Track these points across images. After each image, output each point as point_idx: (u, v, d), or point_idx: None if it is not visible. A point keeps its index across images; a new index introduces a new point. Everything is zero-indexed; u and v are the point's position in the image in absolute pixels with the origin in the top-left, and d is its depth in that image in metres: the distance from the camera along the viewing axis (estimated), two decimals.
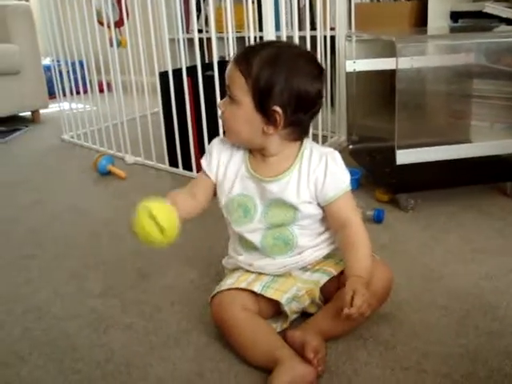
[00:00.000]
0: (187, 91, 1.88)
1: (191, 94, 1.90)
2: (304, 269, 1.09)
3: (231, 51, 1.98)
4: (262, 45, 1.02)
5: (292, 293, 1.07)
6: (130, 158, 2.19)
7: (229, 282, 1.08)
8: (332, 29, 2.05)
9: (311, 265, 1.09)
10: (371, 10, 2.15)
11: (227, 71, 1.02)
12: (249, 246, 1.09)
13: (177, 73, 1.92)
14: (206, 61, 3.04)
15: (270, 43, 1.03)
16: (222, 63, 1.89)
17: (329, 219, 1.07)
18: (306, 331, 0.97)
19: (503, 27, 1.88)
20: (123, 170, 2.07)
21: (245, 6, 2.52)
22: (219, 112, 1.06)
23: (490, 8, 1.94)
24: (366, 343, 1.01)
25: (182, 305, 1.18)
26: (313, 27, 2.09)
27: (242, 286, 1.05)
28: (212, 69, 1.89)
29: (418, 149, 1.48)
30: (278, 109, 0.96)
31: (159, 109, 2.03)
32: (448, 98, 1.83)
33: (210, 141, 1.83)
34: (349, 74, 1.83)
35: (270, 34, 1.66)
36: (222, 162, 1.09)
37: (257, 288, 1.04)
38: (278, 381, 0.87)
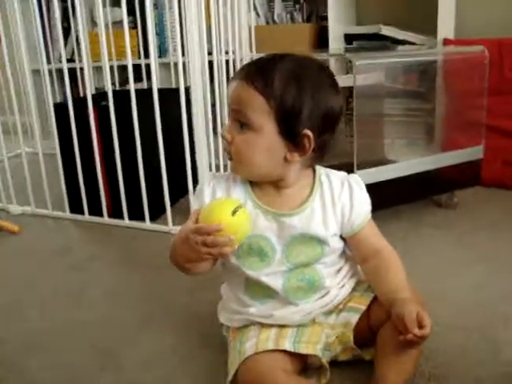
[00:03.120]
0: (93, 124, 1.62)
1: (97, 127, 1.64)
2: (327, 312, 0.95)
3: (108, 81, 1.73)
4: (273, 58, 0.85)
5: (323, 342, 0.92)
6: (15, 208, 1.82)
7: (249, 344, 0.89)
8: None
9: (335, 306, 0.96)
10: (270, 33, 2.11)
11: (233, 91, 0.84)
12: (262, 293, 0.92)
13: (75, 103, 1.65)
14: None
15: (279, 56, 0.86)
16: (119, 93, 1.68)
17: (354, 249, 0.95)
18: None
19: (403, 47, 1.96)
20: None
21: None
22: (223, 142, 0.88)
23: (387, 30, 2.02)
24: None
25: None
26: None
27: (270, 346, 0.87)
28: (104, 99, 1.67)
29: (375, 168, 1.44)
30: (308, 132, 0.82)
31: (56, 147, 1.72)
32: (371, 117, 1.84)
33: (125, 177, 1.63)
34: None
35: (196, 60, 1.51)
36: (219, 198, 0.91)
37: (288, 346, 0.88)
38: None
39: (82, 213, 1.73)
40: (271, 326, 0.92)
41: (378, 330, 0.92)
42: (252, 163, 0.85)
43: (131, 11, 2.24)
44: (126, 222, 1.67)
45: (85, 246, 1.58)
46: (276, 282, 0.91)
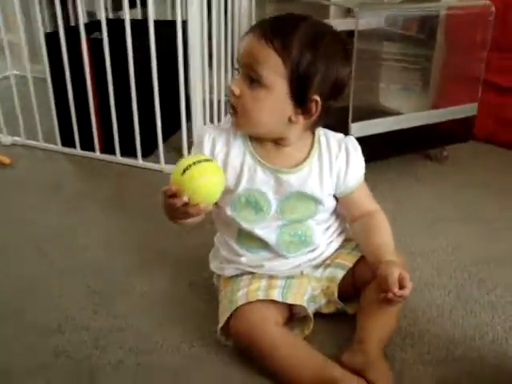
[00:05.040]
0: (86, 57, 1.58)
1: (90, 60, 1.60)
2: (316, 266, 0.99)
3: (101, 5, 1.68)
4: (293, 20, 0.84)
5: (308, 294, 0.97)
6: (6, 138, 1.79)
7: (240, 294, 0.93)
8: None
9: (323, 260, 1.00)
10: None
11: (248, 47, 0.83)
12: (254, 244, 0.96)
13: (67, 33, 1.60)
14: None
15: (299, 18, 0.85)
16: (112, 22, 1.61)
17: (346, 209, 0.99)
18: (366, 354, 0.86)
19: None
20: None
21: None
22: (229, 96, 0.87)
23: None
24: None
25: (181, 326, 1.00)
26: None
27: (261, 296, 0.91)
28: (98, 29, 1.61)
29: (371, 121, 1.44)
30: (317, 98, 0.83)
31: (47, 78, 1.67)
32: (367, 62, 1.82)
33: (117, 112, 1.60)
34: None
35: None
36: (218, 153, 0.92)
37: (276, 296, 0.92)
38: None
39: (74, 146, 1.72)
40: (261, 276, 0.96)
41: (361, 287, 0.97)
42: (257, 120, 0.86)
43: None
44: (119, 158, 1.67)
45: (76, 183, 1.58)
46: (270, 236, 0.94)
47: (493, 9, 1.51)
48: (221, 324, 0.91)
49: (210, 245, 1.06)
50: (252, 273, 0.97)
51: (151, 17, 1.47)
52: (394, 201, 1.45)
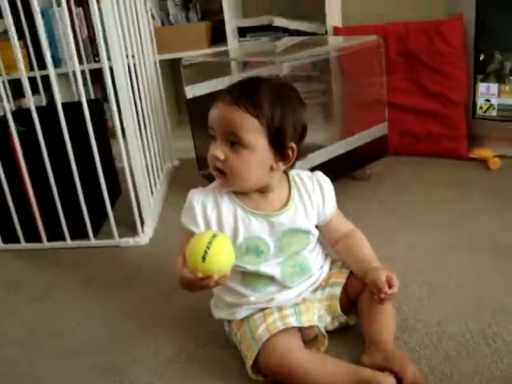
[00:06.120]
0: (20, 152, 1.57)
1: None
2: (314, 290, 1.10)
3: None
4: (252, 82, 1.00)
5: (316, 315, 1.08)
6: None
7: (260, 330, 1.00)
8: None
9: (319, 284, 1.11)
10: (169, 34, 2.15)
11: (222, 113, 0.96)
12: (260, 283, 1.06)
13: None
14: None
15: (257, 80, 1.00)
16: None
17: (327, 234, 1.13)
18: (383, 351, 0.97)
19: (288, 38, 2.13)
20: None
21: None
22: (214, 160, 0.97)
23: (279, 22, 2.16)
24: None
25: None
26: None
27: (281, 326, 1.00)
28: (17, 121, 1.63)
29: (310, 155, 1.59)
30: (293, 144, 0.98)
31: None
32: None
33: (62, 200, 1.60)
34: (191, 101, 1.82)
35: (119, 62, 1.54)
36: (211, 214, 1.02)
37: (294, 323, 1.01)
38: None
39: (18, 241, 1.69)
40: (271, 311, 1.04)
41: (355, 298, 1.10)
42: (246, 176, 0.97)
43: (15, 20, 2.14)
44: (69, 242, 1.66)
45: (36, 276, 1.53)
46: (274, 271, 1.05)
47: (382, 41, 1.76)
48: (250, 362, 0.98)
49: (204, 298, 1.14)
50: (262, 310, 1.05)
51: (83, 95, 1.51)
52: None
